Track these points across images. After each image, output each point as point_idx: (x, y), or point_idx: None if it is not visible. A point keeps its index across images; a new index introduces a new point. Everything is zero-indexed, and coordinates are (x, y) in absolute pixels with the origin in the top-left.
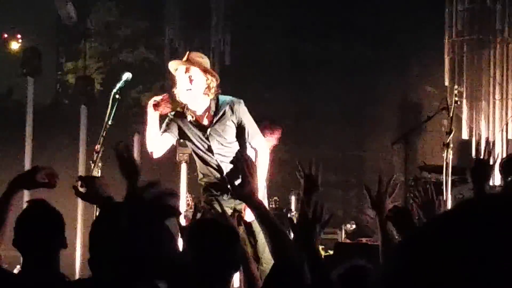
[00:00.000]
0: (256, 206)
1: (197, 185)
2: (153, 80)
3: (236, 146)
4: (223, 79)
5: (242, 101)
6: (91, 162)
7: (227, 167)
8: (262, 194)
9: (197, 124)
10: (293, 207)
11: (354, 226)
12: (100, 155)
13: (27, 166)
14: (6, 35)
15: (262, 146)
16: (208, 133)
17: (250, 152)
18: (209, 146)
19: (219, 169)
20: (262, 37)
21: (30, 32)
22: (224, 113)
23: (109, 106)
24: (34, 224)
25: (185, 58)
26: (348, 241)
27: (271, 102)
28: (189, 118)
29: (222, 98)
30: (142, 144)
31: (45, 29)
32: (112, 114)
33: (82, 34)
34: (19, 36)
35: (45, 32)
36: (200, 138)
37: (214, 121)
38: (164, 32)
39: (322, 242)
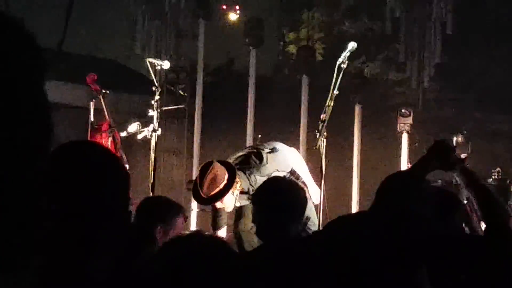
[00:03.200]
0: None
1: (417, 156)
2: (376, 51)
3: None
4: (444, 49)
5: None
6: (316, 131)
7: None
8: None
9: None
10: None
11: None
12: (325, 124)
13: (249, 135)
14: (225, 7)
15: None
16: None
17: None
18: None
19: None
20: (486, 5)
21: (251, 3)
22: None
23: (335, 75)
24: None
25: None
26: None
27: (494, 72)
28: None
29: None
30: (363, 117)
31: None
32: (338, 83)
33: (304, 4)
34: (237, 7)
35: (268, 2)
36: None
37: None
38: (385, 1)
39: None
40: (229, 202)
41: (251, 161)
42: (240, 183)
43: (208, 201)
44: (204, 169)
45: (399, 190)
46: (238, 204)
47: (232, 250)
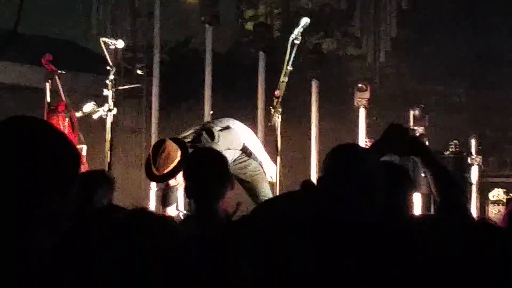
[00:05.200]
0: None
1: (375, 130)
2: (333, 27)
3: None
4: (400, 23)
5: None
6: (270, 107)
7: None
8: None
9: None
10: (473, 150)
11: None
12: (280, 100)
13: (207, 113)
14: None
15: None
16: None
17: None
18: None
19: None
20: None
21: None
22: None
23: (288, 51)
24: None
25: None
26: None
27: (449, 46)
28: None
29: None
30: (320, 92)
31: None
32: (291, 59)
33: None
34: None
35: None
36: None
37: None
38: None
39: (506, 185)
40: (182, 179)
41: (202, 139)
42: None
43: (162, 179)
44: (157, 147)
45: (351, 160)
46: None
47: (175, 227)
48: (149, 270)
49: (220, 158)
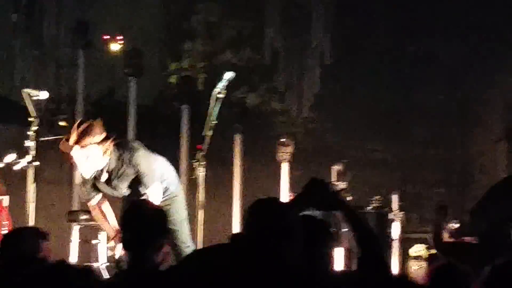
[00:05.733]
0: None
1: (298, 185)
2: (259, 81)
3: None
4: (323, 79)
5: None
6: (194, 161)
7: None
8: None
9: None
10: (394, 206)
11: (457, 225)
12: (203, 153)
13: None
14: (107, 37)
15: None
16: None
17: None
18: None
19: None
20: (363, 36)
21: (133, 34)
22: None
23: (212, 105)
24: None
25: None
26: (451, 239)
27: (372, 102)
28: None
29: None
30: (244, 146)
31: (149, 30)
32: (215, 113)
33: (186, 34)
34: (119, 37)
35: (149, 33)
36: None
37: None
38: (265, 33)
39: (427, 241)
40: (93, 158)
41: (128, 144)
42: (112, 154)
43: (69, 147)
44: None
45: (262, 217)
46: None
47: (95, 278)
48: None
49: (158, 211)
